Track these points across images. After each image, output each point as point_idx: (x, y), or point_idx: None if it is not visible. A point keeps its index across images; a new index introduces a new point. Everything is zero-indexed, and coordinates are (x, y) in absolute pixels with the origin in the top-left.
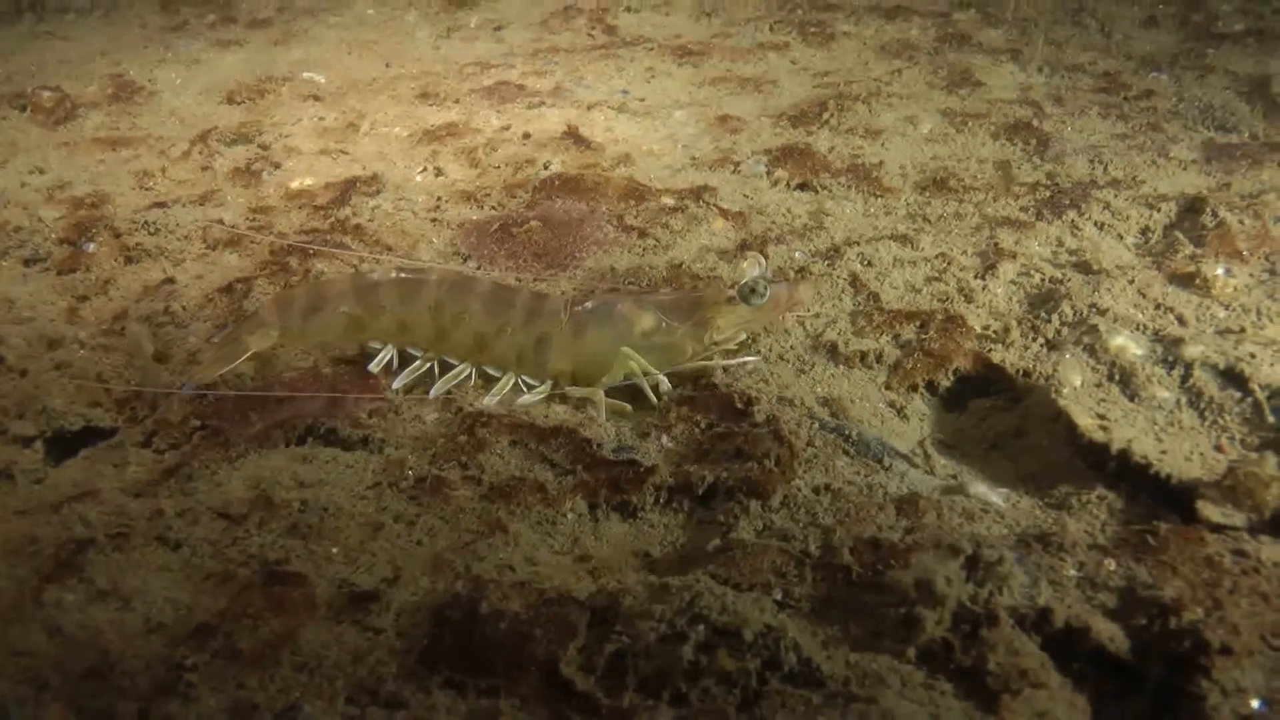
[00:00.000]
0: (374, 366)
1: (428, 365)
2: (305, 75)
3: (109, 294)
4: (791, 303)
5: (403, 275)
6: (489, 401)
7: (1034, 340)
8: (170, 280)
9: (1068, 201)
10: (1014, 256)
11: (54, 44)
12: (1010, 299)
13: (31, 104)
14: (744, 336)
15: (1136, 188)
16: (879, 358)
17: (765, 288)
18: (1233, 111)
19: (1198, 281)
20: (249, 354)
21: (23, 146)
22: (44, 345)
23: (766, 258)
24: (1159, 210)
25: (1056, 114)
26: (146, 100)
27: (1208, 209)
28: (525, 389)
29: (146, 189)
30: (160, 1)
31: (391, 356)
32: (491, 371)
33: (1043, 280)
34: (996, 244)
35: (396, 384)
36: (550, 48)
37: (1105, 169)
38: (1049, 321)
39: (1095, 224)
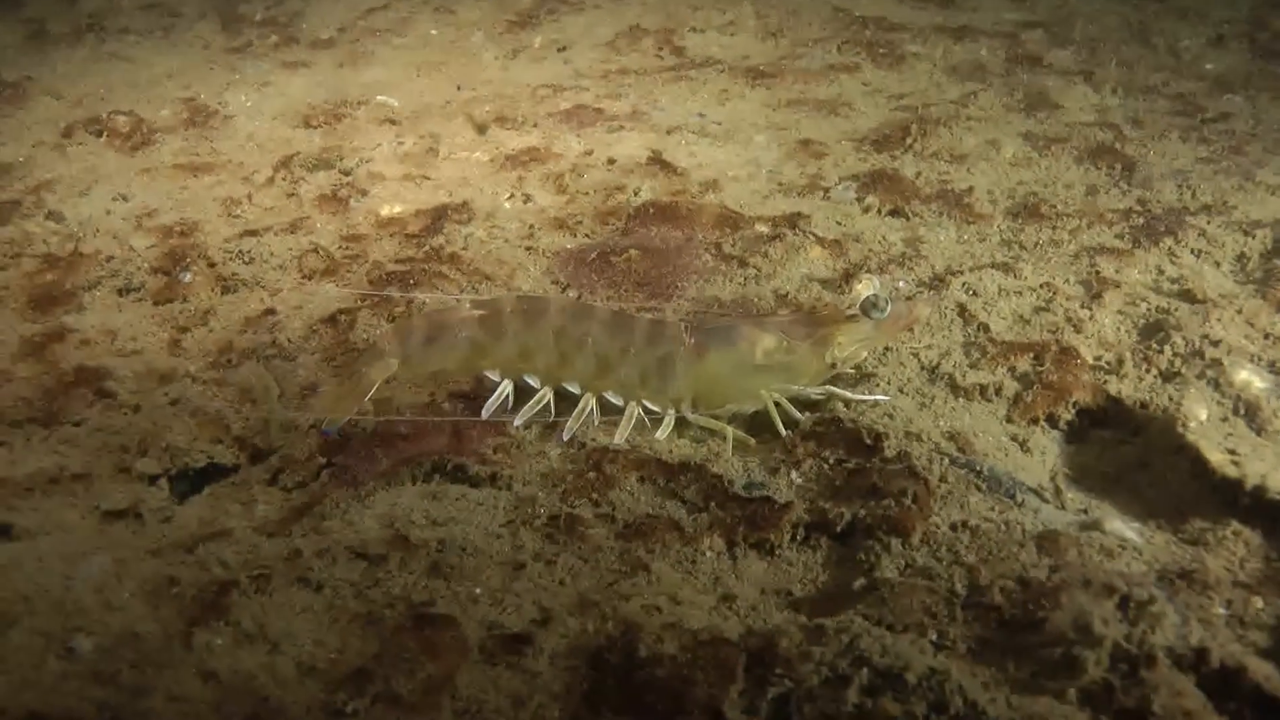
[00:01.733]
0: (490, 407)
1: (546, 399)
2: (379, 99)
3: (210, 325)
4: (910, 320)
5: (524, 301)
6: (618, 440)
7: (1148, 371)
8: (271, 311)
9: (1163, 228)
10: (1117, 285)
11: (119, 66)
12: (1119, 329)
13: (107, 129)
14: (864, 356)
15: (1228, 213)
16: (998, 390)
17: (886, 302)
18: None
19: None
20: (375, 386)
21: (103, 173)
22: (154, 379)
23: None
24: (1254, 236)
25: (1137, 137)
26: (222, 124)
27: None
28: (647, 418)
29: (234, 216)
30: (221, 21)
31: (508, 394)
32: (612, 399)
33: (1149, 309)
34: (1098, 272)
35: (518, 421)
36: (620, 69)
37: (1194, 194)
38: (1161, 352)
39: (1192, 251)
